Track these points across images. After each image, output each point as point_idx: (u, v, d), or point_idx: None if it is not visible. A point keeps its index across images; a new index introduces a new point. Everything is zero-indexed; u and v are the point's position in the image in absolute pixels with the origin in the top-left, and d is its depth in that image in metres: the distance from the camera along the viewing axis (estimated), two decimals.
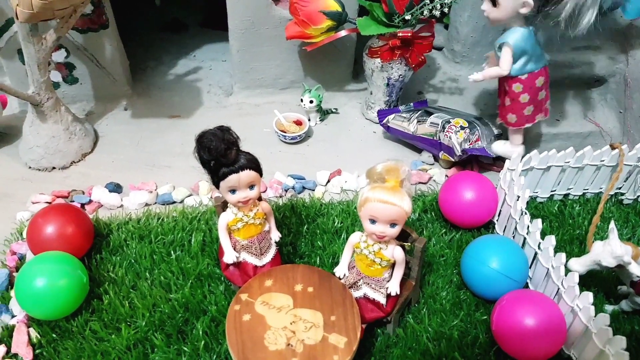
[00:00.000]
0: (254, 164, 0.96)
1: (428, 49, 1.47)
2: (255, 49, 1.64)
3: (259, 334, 0.90)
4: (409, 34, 1.41)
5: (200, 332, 1.06)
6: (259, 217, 1.04)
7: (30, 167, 1.48)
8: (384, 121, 1.54)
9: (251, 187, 0.98)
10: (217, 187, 0.98)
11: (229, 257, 1.04)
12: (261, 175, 0.99)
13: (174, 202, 1.39)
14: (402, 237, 1.00)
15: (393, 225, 0.92)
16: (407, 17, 1.40)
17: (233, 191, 0.97)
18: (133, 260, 1.20)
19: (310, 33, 1.49)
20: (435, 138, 1.45)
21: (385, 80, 1.54)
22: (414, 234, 1.01)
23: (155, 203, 1.39)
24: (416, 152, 1.56)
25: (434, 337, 1.07)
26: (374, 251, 0.97)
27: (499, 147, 1.42)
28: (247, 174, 0.96)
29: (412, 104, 1.58)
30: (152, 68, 1.87)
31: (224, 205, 1.08)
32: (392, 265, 1.00)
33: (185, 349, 1.04)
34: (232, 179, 0.95)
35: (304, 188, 1.43)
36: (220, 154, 0.92)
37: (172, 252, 1.22)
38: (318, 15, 1.45)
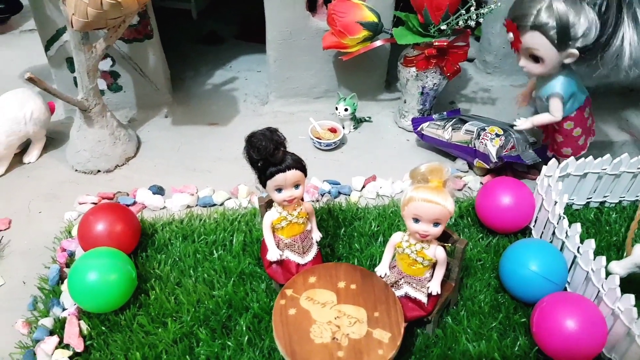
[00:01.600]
0: (299, 164, 1.00)
1: (463, 58, 1.50)
2: (292, 59, 1.69)
3: (305, 327, 0.93)
4: (445, 43, 1.44)
5: (244, 328, 1.09)
6: (302, 216, 1.07)
7: (76, 170, 1.54)
8: (418, 129, 1.56)
9: (296, 186, 1.02)
10: (264, 186, 1.02)
11: (273, 254, 1.07)
12: (306, 175, 1.03)
13: (214, 205, 1.43)
14: (442, 239, 1.03)
15: (436, 224, 0.94)
16: (443, 27, 1.44)
17: (279, 190, 1.01)
18: (177, 259, 1.24)
19: (347, 43, 1.53)
20: (470, 145, 1.47)
21: (419, 89, 1.57)
22: (454, 235, 1.03)
23: (197, 205, 1.43)
24: (450, 160, 1.58)
25: (473, 338, 1.08)
26: (416, 250, 0.99)
27: None
28: (293, 174, 0.99)
29: (445, 112, 1.60)
30: (190, 78, 1.94)
31: (267, 205, 1.12)
32: (433, 266, 1.02)
33: (230, 343, 1.07)
34: (279, 178, 0.98)
35: (339, 193, 1.46)
36: (268, 153, 0.96)
37: (214, 251, 1.26)
38: (355, 26, 1.50)
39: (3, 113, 1.47)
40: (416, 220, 0.95)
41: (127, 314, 1.12)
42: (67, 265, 1.23)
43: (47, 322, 1.10)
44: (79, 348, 1.05)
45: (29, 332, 1.12)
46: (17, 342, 1.10)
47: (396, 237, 1.02)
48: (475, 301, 1.15)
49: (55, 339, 1.06)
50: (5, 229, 1.36)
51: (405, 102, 1.64)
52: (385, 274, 1.04)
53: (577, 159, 1.30)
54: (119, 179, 1.53)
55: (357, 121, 1.69)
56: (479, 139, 1.44)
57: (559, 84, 1.27)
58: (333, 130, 1.64)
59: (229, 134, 1.69)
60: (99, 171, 1.53)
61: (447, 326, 1.10)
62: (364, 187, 1.47)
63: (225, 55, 2.07)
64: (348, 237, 1.29)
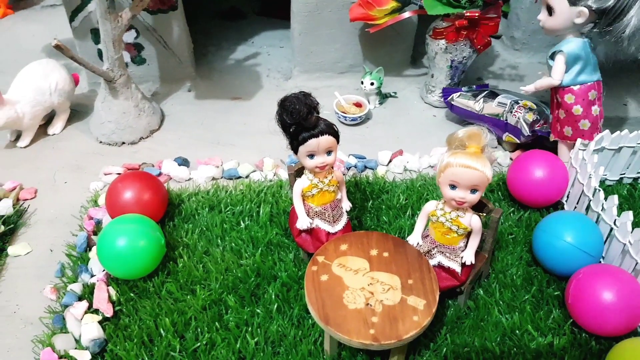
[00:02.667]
0: (332, 130, 0.98)
1: (494, 30, 1.46)
2: (317, 32, 1.66)
3: (338, 293, 0.92)
4: (477, 14, 1.41)
5: (273, 296, 1.08)
6: (333, 184, 1.06)
7: (100, 142, 1.53)
8: (448, 98, 1.53)
9: (329, 152, 1.00)
10: (296, 152, 1.00)
11: (303, 222, 1.05)
12: (338, 141, 1.01)
13: (240, 177, 1.42)
14: (477, 208, 1.00)
15: (474, 191, 0.92)
16: None
17: (311, 156, 0.99)
18: (204, 228, 1.23)
19: (375, 15, 1.50)
20: (501, 119, 1.44)
21: (448, 62, 1.54)
22: (490, 205, 1.01)
23: (222, 177, 1.42)
24: None
25: (505, 311, 1.06)
26: (451, 219, 0.97)
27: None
28: (326, 139, 0.97)
29: (474, 86, 1.57)
30: (212, 53, 1.92)
31: (297, 174, 1.10)
32: (467, 235, 1.00)
33: (259, 311, 1.06)
34: (311, 144, 0.97)
35: (365, 167, 1.44)
36: (302, 117, 0.94)
37: (241, 221, 1.25)
38: None
39: (28, 83, 1.47)
40: (453, 187, 0.93)
41: (155, 281, 1.11)
42: (95, 233, 1.23)
43: (76, 287, 1.10)
44: (109, 313, 1.05)
45: (58, 298, 1.12)
46: (46, 307, 1.10)
47: (430, 206, 1.00)
48: (507, 274, 1.13)
49: (84, 304, 1.06)
50: (31, 198, 1.36)
51: (432, 76, 1.61)
52: (418, 244, 1.02)
53: (570, 147, 1.27)
54: (143, 151, 1.52)
55: (383, 96, 1.67)
56: (511, 112, 1.41)
57: (565, 43, 1.23)
58: (358, 105, 1.61)
59: (252, 109, 1.67)
60: (123, 143, 1.53)
61: (479, 298, 1.08)
62: (390, 161, 1.45)
63: (246, 31, 2.05)
64: (376, 209, 1.27)
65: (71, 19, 1.58)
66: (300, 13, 1.61)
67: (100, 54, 1.63)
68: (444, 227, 0.99)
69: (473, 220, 0.97)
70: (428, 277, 0.94)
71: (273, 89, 1.76)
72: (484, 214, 1.01)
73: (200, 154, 1.49)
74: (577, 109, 1.27)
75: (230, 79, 1.80)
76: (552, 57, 1.26)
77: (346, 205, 1.11)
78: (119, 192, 1.18)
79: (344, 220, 1.09)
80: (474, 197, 0.93)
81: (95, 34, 1.60)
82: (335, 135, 0.99)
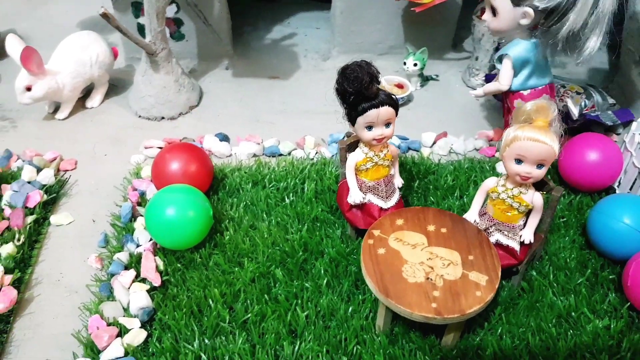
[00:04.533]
0: (392, 101, 0.96)
1: None
2: (359, 11, 1.64)
3: (397, 267, 0.89)
4: None
5: (322, 271, 1.06)
6: (388, 158, 1.03)
7: (140, 116, 1.52)
8: None
9: (387, 124, 0.98)
10: (353, 123, 0.98)
11: (356, 196, 1.03)
12: (397, 114, 0.98)
13: (281, 155, 1.40)
14: (536, 187, 0.98)
15: (540, 166, 0.90)
16: None
17: (370, 128, 0.97)
18: (249, 203, 1.22)
19: None
20: None
21: (495, 44, 1.51)
22: (550, 183, 0.98)
23: (263, 154, 1.40)
24: None
25: (560, 293, 1.04)
26: (513, 195, 0.95)
27: None
28: (387, 110, 0.95)
29: None
30: (248, 33, 1.90)
31: (348, 148, 1.08)
32: (527, 214, 0.98)
33: (307, 285, 1.04)
34: (371, 114, 0.94)
35: (409, 148, 1.42)
36: (363, 86, 0.92)
37: (285, 197, 1.23)
38: None
39: (69, 54, 1.46)
40: (518, 161, 0.90)
41: (202, 252, 1.10)
42: (139, 204, 1.22)
43: (123, 256, 1.09)
44: (157, 282, 1.04)
45: (102, 267, 1.11)
46: (92, 276, 1.09)
47: (490, 182, 0.98)
48: (560, 257, 1.10)
49: (132, 273, 1.05)
50: (71, 169, 1.35)
51: (477, 59, 1.59)
52: (475, 221, 1.00)
53: None
54: (182, 126, 1.50)
55: (424, 79, 1.64)
56: (558, 96, 1.38)
57: (511, 46, 1.17)
58: (400, 86, 1.59)
59: (290, 88, 1.65)
60: (162, 118, 1.51)
61: (532, 279, 1.06)
62: (434, 143, 1.42)
63: (282, 12, 2.03)
64: (422, 190, 1.25)
65: None
66: None
67: (140, 28, 1.62)
68: (504, 204, 0.96)
69: (535, 198, 0.95)
70: (489, 254, 0.92)
71: (311, 69, 1.74)
72: (544, 192, 0.98)
73: (240, 131, 1.48)
74: None
75: (268, 59, 1.78)
76: (500, 60, 1.21)
77: (398, 181, 1.09)
78: (166, 162, 1.16)
79: (396, 196, 1.07)
80: (540, 173, 0.90)
81: (135, 7, 1.59)
82: (395, 107, 0.96)
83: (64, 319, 1.03)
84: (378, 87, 0.95)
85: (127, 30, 1.35)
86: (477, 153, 1.40)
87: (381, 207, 1.05)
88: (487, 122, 1.52)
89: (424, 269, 0.89)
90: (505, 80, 1.21)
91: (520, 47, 1.17)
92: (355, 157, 1.03)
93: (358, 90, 0.92)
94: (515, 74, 1.20)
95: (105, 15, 1.27)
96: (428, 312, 0.83)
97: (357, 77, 0.91)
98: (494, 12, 1.15)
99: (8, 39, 1.40)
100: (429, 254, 0.92)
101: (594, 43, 1.08)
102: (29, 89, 1.40)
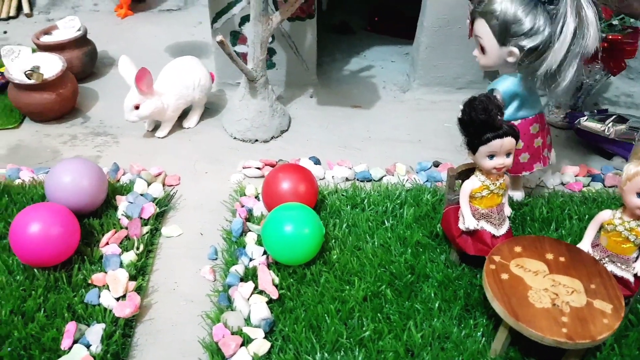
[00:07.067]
0: (515, 132, 1.01)
1: (632, 54, 1.48)
2: (443, 47, 1.71)
3: (522, 292, 0.93)
4: (619, 38, 1.43)
5: (432, 294, 1.09)
6: (503, 187, 1.08)
7: (234, 138, 1.60)
8: (575, 122, 1.55)
9: (508, 154, 1.02)
10: (474, 152, 1.03)
11: (470, 222, 1.07)
12: (516, 144, 1.03)
13: (371, 180, 1.45)
14: None
15: None
16: (614, 22, 1.43)
17: (491, 157, 1.02)
18: (350, 224, 1.26)
19: None
20: (634, 143, 1.44)
21: (578, 83, 1.56)
22: None
23: (355, 179, 1.46)
24: (604, 158, 1.56)
25: None
26: (630, 228, 0.98)
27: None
28: (510, 141, 1.00)
29: (595, 111, 1.58)
30: (327, 64, 1.99)
31: (458, 176, 1.13)
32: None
33: (418, 306, 1.07)
34: (495, 144, 1.00)
35: None
36: (491, 116, 0.97)
37: (385, 221, 1.27)
38: None
39: (177, 77, 1.55)
40: (639, 195, 0.94)
41: (313, 269, 1.14)
42: (248, 220, 1.28)
43: (240, 269, 1.14)
44: (275, 295, 1.08)
45: (215, 279, 1.16)
46: (207, 286, 1.14)
47: (605, 214, 1.01)
48: None
49: (251, 285, 1.10)
50: (175, 185, 1.42)
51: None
52: (587, 252, 1.03)
53: (519, 179, 1.30)
54: (275, 149, 1.57)
55: None
56: None
57: (500, 81, 1.21)
58: None
59: (373, 117, 1.71)
60: (256, 140, 1.58)
61: (638, 312, 1.08)
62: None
63: (357, 45, 2.12)
64: (519, 220, 1.29)
65: (214, 20, 1.67)
66: (431, 28, 1.66)
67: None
68: (620, 236, 0.99)
69: None
70: (610, 283, 0.95)
71: (390, 100, 1.81)
72: None
73: (329, 155, 1.54)
74: (519, 144, 1.20)
75: (348, 88, 1.86)
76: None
77: (507, 210, 1.13)
78: (278, 181, 1.22)
79: (507, 224, 1.11)
80: None
81: (234, 36, 1.68)
82: (517, 137, 1.02)
83: (183, 326, 1.08)
84: (502, 119, 1.00)
85: (236, 57, 1.44)
86: (564, 188, 1.44)
87: (493, 235, 1.09)
88: (571, 158, 1.56)
89: (549, 295, 0.92)
90: None
91: (508, 82, 1.21)
92: (471, 185, 1.08)
93: (486, 120, 0.98)
94: (505, 106, 1.24)
95: (222, 43, 1.36)
96: (560, 337, 0.86)
97: (486, 108, 0.97)
98: (483, 50, 1.21)
99: (121, 60, 1.49)
100: (551, 281, 0.95)
101: (570, 76, 1.11)
102: (137, 107, 1.48)
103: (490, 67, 1.24)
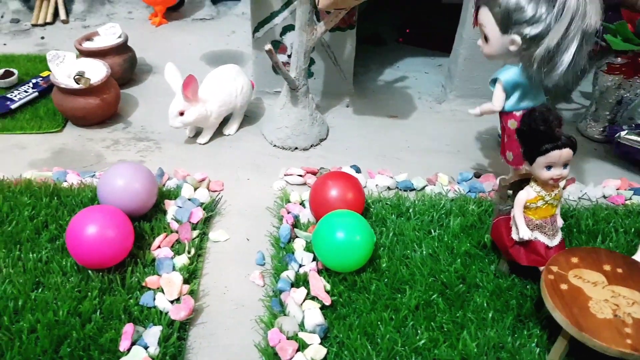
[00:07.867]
0: (573, 144, 1.01)
1: None
2: (481, 59, 1.71)
3: (582, 302, 0.93)
4: None
5: (485, 304, 1.10)
6: (557, 198, 1.08)
7: (274, 145, 1.61)
8: (615, 136, 1.55)
9: (565, 165, 1.03)
10: (532, 162, 1.04)
11: (524, 233, 1.08)
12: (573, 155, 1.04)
13: (413, 189, 1.46)
14: None
15: None
16: None
17: (549, 167, 1.03)
18: (397, 232, 1.27)
19: None
20: None
21: (618, 97, 1.57)
22: None
23: (397, 188, 1.46)
24: None
25: None
26: None
27: None
28: (568, 152, 1.01)
29: (633, 125, 1.59)
30: (361, 74, 2.01)
31: (509, 187, 1.14)
32: None
33: (470, 316, 1.08)
34: (554, 155, 1.00)
35: None
36: (552, 128, 0.98)
37: (432, 230, 1.28)
38: None
39: (221, 85, 1.57)
40: None
41: (363, 276, 1.15)
42: (295, 226, 1.29)
43: (290, 275, 1.14)
44: (327, 301, 1.09)
45: (264, 284, 1.16)
46: (258, 291, 1.15)
47: None
48: None
49: (303, 290, 1.10)
50: (220, 190, 1.44)
51: (595, 110, 1.64)
52: None
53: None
54: (314, 157, 1.59)
55: None
56: None
57: (503, 71, 1.23)
58: None
59: (411, 127, 1.73)
60: (296, 148, 1.60)
61: None
62: (563, 188, 1.46)
63: (390, 56, 2.14)
64: (566, 232, 1.29)
65: (255, 29, 1.69)
66: (470, 40, 1.68)
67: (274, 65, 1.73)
68: None
69: None
70: None
71: (427, 110, 1.82)
72: None
73: (368, 164, 1.55)
74: None
75: (384, 99, 1.87)
76: (493, 83, 1.28)
77: (560, 222, 1.14)
78: (327, 188, 1.23)
79: (560, 235, 1.11)
80: None
81: (275, 46, 1.70)
82: (575, 149, 1.02)
83: (236, 330, 1.08)
84: (560, 130, 1.01)
85: (281, 66, 1.46)
86: (606, 200, 1.44)
87: (547, 245, 1.09)
88: (609, 172, 1.56)
89: (609, 306, 0.92)
90: (497, 102, 1.28)
91: (510, 72, 1.23)
92: (526, 195, 1.08)
93: (545, 131, 0.99)
94: (508, 96, 1.26)
95: (270, 52, 1.38)
96: (625, 348, 0.86)
97: (546, 119, 0.98)
98: (486, 39, 1.23)
99: (167, 67, 1.52)
100: (611, 292, 0.95)
101: (568, 59, 1.12)
102: (181, 113, 1.50)
103: (493, 57, 1.27)
